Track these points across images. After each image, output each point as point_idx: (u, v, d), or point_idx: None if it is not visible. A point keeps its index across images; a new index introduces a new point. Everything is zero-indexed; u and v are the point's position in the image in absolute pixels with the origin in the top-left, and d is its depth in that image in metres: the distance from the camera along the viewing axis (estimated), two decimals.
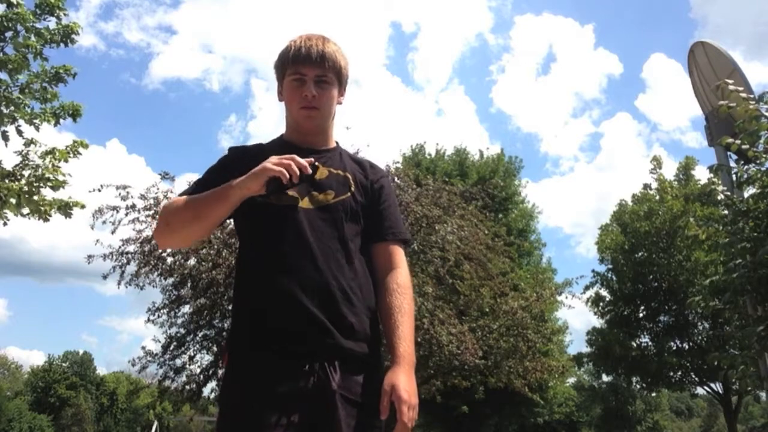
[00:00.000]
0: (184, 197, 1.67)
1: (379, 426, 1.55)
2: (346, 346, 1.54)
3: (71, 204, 6.82)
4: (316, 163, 1.58)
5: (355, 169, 1.77)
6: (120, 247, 8.93)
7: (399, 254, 1.72)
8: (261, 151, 1.72)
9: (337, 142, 1.84)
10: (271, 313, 1.54)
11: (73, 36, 6.74)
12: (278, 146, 1.75)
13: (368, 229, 1.71)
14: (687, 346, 16.39)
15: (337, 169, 1.73)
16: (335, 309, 1.55)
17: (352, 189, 1.70)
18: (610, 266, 17.30)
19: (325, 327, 1.53)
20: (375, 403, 1.49)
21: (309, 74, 1.69)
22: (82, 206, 7.00)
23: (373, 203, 1.73)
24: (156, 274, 8.91)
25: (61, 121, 6.85)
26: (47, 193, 6.68)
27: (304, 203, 1.63)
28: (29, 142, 6.65)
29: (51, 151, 6.69)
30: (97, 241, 9.04)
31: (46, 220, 6.67)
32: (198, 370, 9.70)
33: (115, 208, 8.81)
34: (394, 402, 1.46)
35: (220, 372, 9.75)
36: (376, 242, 1.71)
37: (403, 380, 1.49)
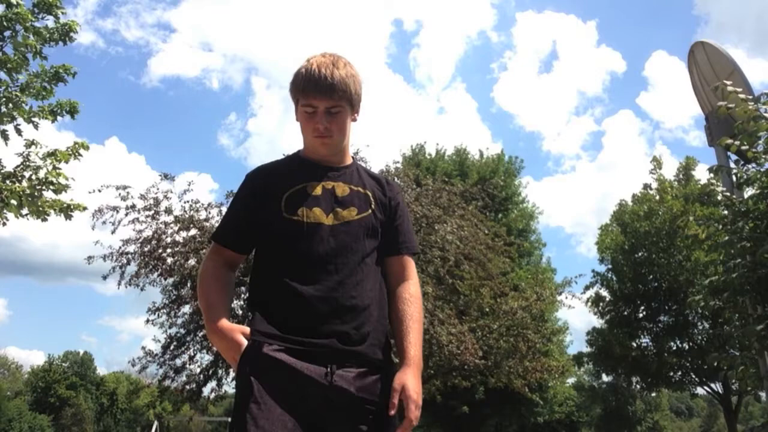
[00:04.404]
0: (211, 280, 1.77)
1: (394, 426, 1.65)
2: (362, 352, 1.66)
3: (72, 206, 6.82)
4: None
5: (374, 186, 1.88)
6: (120, 247, 8.96)
7: (411, 266, 1.87)
8: (278, 170, 1.84)
9: (353, 157, 1.95)
10: (294, 322, 1.64)
11: (72, 34, 6.76)
12: (297, 164, 1.84)
13: (384, 243, 1.83)
14: (687, 346, 16.41)
15: (357, 185, 1.84)
16: (354, 319, 1.67)
17: (373, 206, 1.82)
18: (610, 266, 17.31)
19: (344, 335, 1.64)
20: (387, 406, 1.64)
21: (320, 106, 1.74)
22: (84, 208, 7.01)
23: (389, 219, 1.86)
24: (156, 274, 8.93)
25: (59, 118, 6.87)
26: (48, 195, 6.68)
27: (329, 220, 1.74)
28: (30, 143, 6.65)
29: (52, 153, 6.69)
30: (97, 242, 9.08)
31: (44, 220, 6.67)
32: (198, 370, 9.72)
33: (115, 209, 8.83)
34: (403, 400, 1.62)
35: (220, 372, 9.75)
36: (390, 255, 1.85)
37: (412, 381, 1.65)
